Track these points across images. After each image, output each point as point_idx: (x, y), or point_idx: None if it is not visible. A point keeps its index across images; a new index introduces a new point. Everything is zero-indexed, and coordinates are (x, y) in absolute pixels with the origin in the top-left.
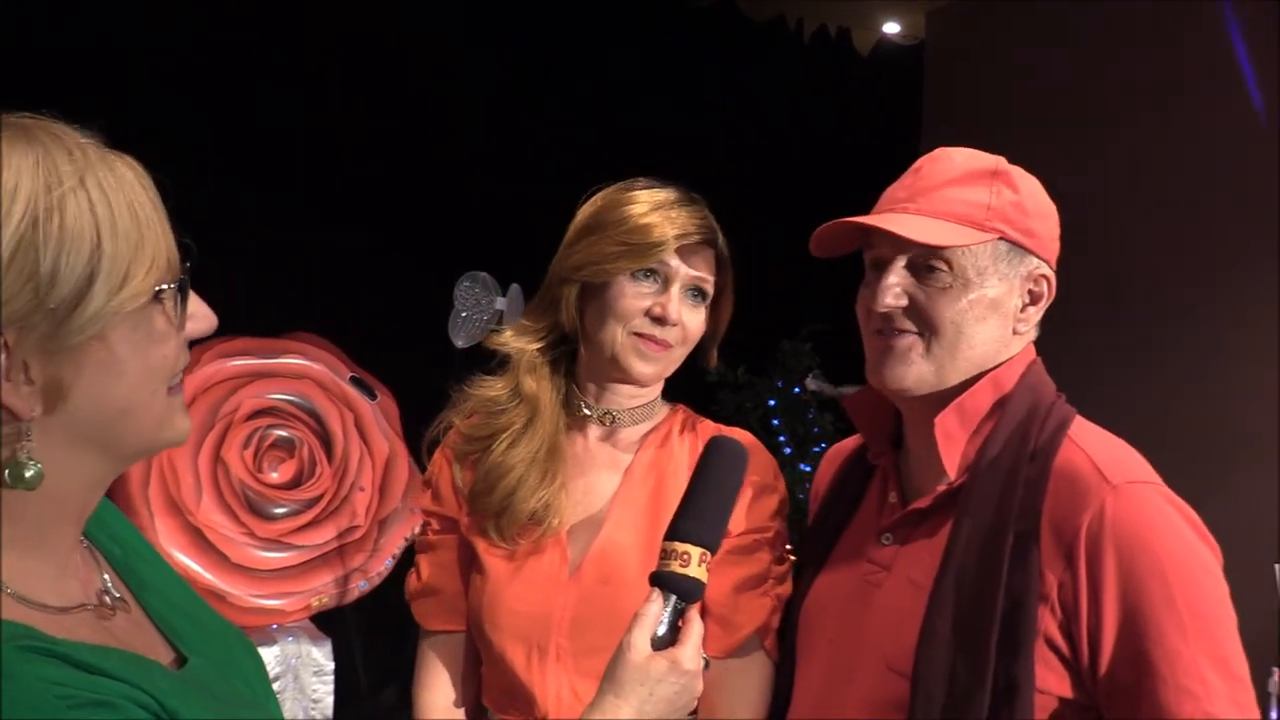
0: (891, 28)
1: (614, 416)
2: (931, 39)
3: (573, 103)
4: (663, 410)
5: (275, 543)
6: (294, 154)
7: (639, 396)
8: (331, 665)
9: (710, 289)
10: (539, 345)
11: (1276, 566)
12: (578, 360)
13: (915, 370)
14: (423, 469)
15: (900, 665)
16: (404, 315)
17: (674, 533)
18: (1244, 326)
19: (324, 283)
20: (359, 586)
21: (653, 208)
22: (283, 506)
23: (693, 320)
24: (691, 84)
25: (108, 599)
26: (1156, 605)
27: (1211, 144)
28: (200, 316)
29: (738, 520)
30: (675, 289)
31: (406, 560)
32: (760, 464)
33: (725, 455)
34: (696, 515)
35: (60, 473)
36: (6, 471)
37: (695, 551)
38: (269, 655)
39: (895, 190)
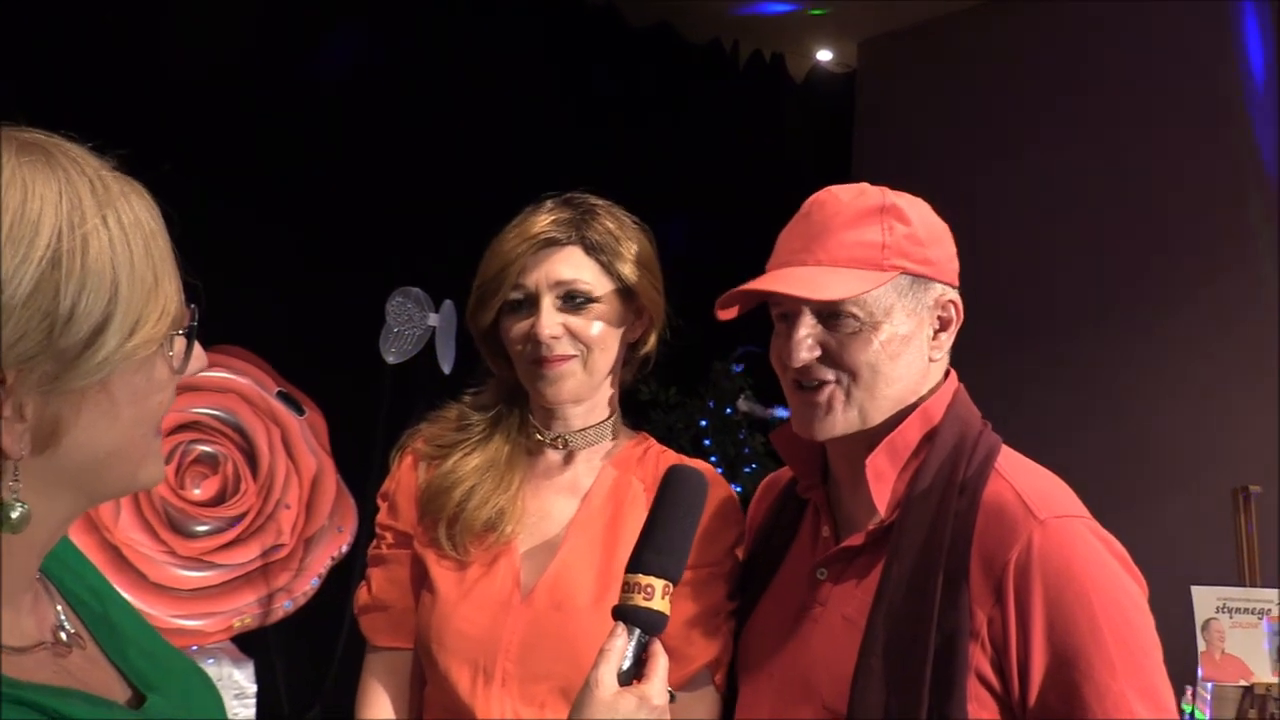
0: (825, 55)
1: (566, 440)
2: (863, 68)
3: (506, 120)
4: (623, 434)
5: (196, 561)
6: (222, 162)
7: (585, 417)
8: (254, 688)
9: (588, 288)
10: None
11: (1193, 589)
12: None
13: (840, 420)
14: (352, 487)
15: (835, 704)
16: (334, 330)
17: (636, 565)
18: (1159, 349)
19: (251, 295)
20: (283, 607)
21: (512, 229)
22: (205, 524)
23: (581, 325)
24: (627, 104)
25: (63, 635)
26: (1084, 639)
27: (1131, 174)
28: (195, 357)
29: (694, 553)
30: (545, 303)
31: (332, 580)
32: (720, 497)
33: (685, 485)
34: (658, 546)
35: (35, 513)
36: None
37: (658, 584)
38: None
39: (789, 239)
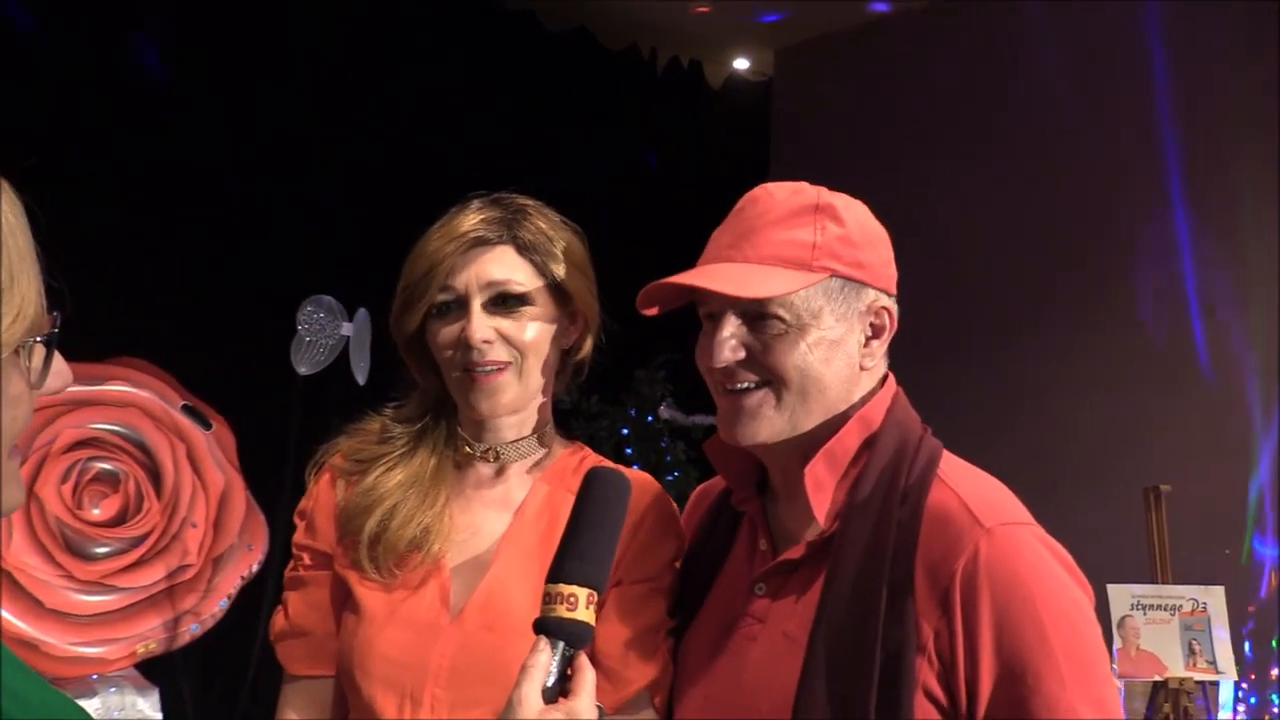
0: (741, 64)
1: (498, 453)
2: (779, 76)
3: (421, 126)
4: (557, 444)
5: (97, 585)
6: (123, 163)
7: (519, 428)
8: (159, 717)
9: (522, 290)
10: (426, 409)
11: (1108, 587)
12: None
13: (768, 425)
14: (262, 503)
15: None
16: (242, 340)
17: (557, 574)
18: (1073, 351)
19: (153, 303)
20: (190, 630)
21: (438, 229)
22: (105, 545)
23: (514, 328)
24: (545, 109)
25: None
26: (1033, 651)
27: (1049, 181)
28: (57, 373)
29: (632, 568)
30: (476, 305)
31: (242, 601)
32: (658, 508)
33: (605, 487)
34: (580, 553)
35: None
36: None
37: (582, 593)
38: (88, 709)
39: (720, 235)
